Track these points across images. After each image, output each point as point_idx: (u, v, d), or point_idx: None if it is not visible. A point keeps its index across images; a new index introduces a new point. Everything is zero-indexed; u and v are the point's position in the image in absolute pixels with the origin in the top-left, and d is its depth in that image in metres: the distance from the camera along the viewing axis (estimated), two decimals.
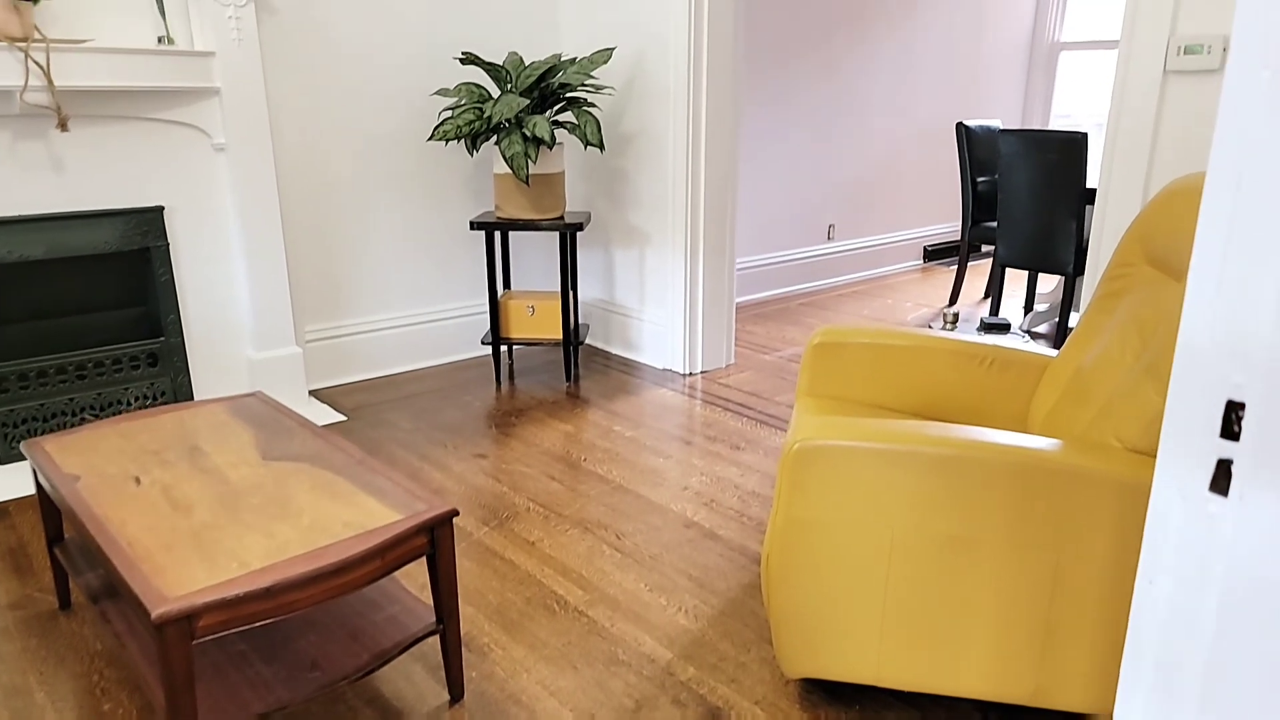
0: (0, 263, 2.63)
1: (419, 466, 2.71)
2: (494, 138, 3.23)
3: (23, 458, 2.74)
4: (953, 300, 4.71)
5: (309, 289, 3.36)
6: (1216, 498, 0.58)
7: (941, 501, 1.37)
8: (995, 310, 3.94)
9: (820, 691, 1.67)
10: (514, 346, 3.93)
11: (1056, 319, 4.02)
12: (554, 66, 3.22)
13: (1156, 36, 2.04)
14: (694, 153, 3.38)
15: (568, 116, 3.97)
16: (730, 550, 2.19)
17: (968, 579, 1.40)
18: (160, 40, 2.80)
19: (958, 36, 5.48)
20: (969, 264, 4.64)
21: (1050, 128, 6.05)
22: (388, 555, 1.49)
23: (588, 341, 4.07)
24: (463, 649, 1.84)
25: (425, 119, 3.51)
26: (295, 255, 3.30)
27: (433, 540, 1.57)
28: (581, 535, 2.28)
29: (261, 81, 2.94)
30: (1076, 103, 6.08)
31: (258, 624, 1.57)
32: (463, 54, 3.17)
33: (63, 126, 2.58)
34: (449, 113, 3.53)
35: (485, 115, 3.16)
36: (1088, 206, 3.51)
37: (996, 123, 4.58)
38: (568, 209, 3.97)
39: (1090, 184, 3.51)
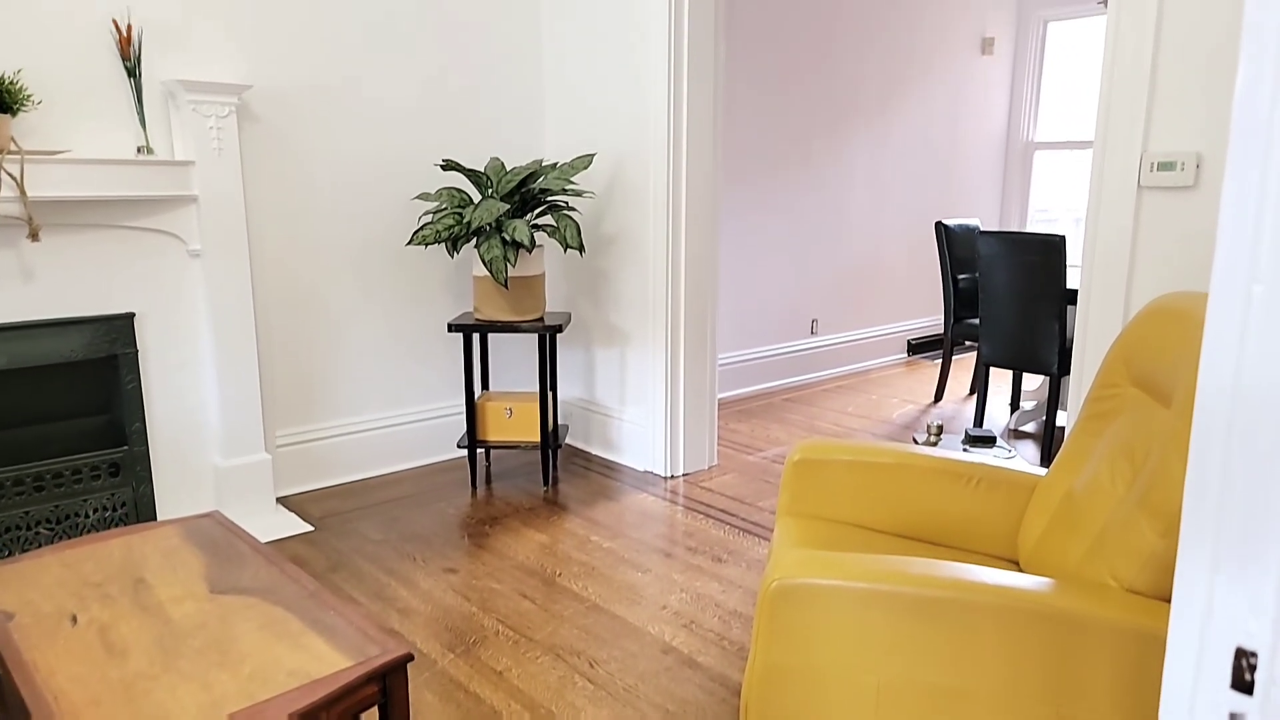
0: None
1: (385, 583, 2.58)
2: (474, 240, 3.22)
3: None
4: (938, 396, 4.67)
5: (282, 393, 3.28)
6: None
7: (929, 647, 1.27)
8: (981, 409, 3.90)
9: None
10: (491, 449, 3.84)
11: (1044, 418, 3.97)
12: (535, 172, 3.24)
13: (1129, 152, 2.06)
14: (674, 253, 3.39)
15: (548, 220, 4.00)
16: (710, 681, 2.07)
17: None
18: (139, 150, 2.80)
19: (933, 136, 5.62)
20: (953, 357, 4.63)
21: (1028, 227, 6.16)
22: (335, 708, 1.37)
23: (568, 441, 3.98)
24: None
25: (406, 222, 3.51)
26: (269, 359, 3.23)
27: (385, 689, 1.45)
28: (553, 663, 2.15)
29: (240, 188, 2.94)
30: (1053, 198, 6.21)
31: None
32: (444, 161, 3.19)
33: (34, 237, 2.55)
34: (429, 217, 3.54)
35: (465, 220, 3.16)
36: (1069, 307, 3.51)
37: (975, 222, 4.65)
38: (548, 309, 3.95)
39: (1070, 284, 3.52)
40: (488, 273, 3.20)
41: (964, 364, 5.54)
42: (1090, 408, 1.60)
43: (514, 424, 3.40)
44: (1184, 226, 1.99)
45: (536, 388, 4.01)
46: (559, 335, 3.96)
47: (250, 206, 3.10)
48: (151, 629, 1.55)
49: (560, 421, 4.03)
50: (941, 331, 5.91)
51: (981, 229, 3.84)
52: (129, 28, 2.74)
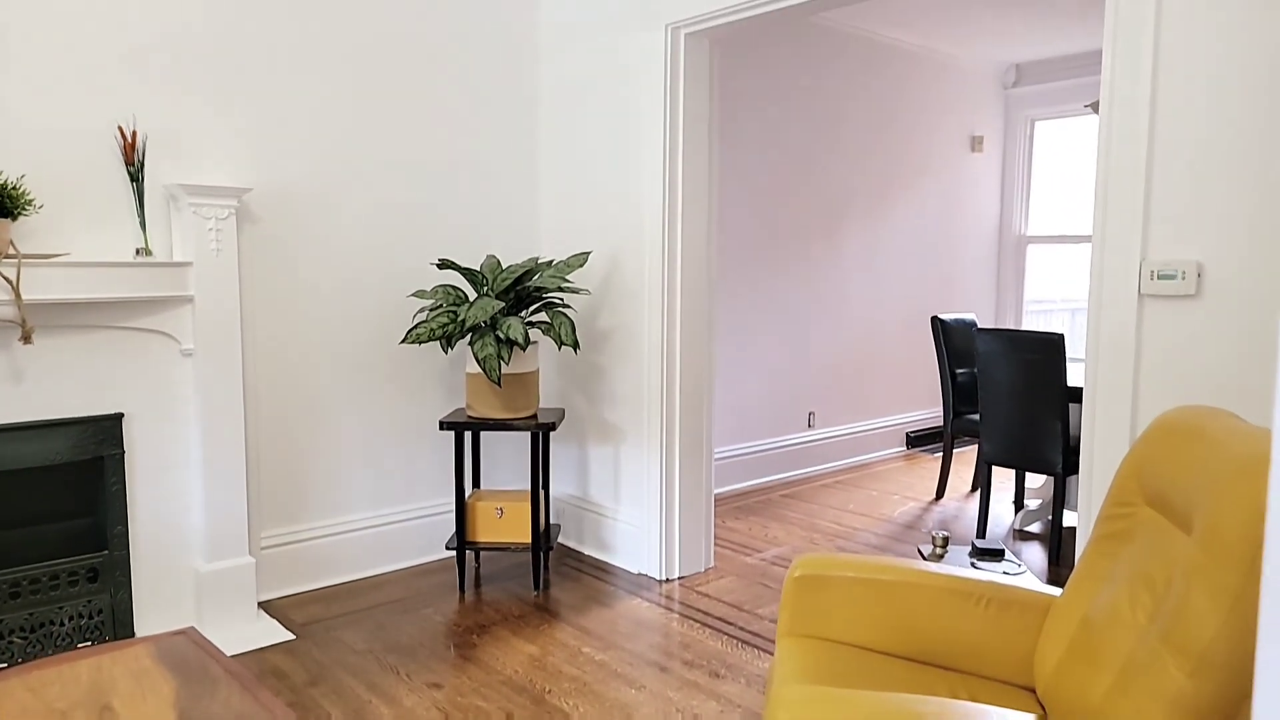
0: None
1: (365, 700, 2.45)
2: (468, 337, 3.20)
3: None
4: (939, 493, 4.59)
5: (269, 492, 3.20)
6: None
7: None
8: (985, 510, 3.83)
9: None
10: (481, 550, 3.73)
11: (1050, 518, 3.89)
12: (530, 270, 3.26)
13: (1128, 258, 2.06)
14: (669, 348, 3.37)
15: (543, 317, 4.00)
16: None
17: None
18: (138, 252, 2.81)
19: (927, 230, 5.71)
20: (954, 451, 4.58)
21: (1023, 320, 6.20)
22: None
23: (560, 540, 3.88)
24: None
25: (400, 318, 3.51)
26: (257, 457, 3.17)
27: None
28: None
29: (236, 287, 2.93)
30: (1048, 290, 6.27)
31: None
32: (440, 260, 3.21)
33: (26, 339, 2.52)
34: (424, 314, 3.54)
35: (460, 318, 3.15)
36: (1072, 405, 3.48)
37: (971, 316, 4.67)
38: (541, 405, 3.91)
39: (1072, 382, 3.50)
40: (481, 370, 3.17)
41: (964, 458, 5.47)
42: (1103, 526, 1.54)
43: (505, 524, 3.31)
44: (1188, 333, 1.97)
45: (527, 485, 3.93)
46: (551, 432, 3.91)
47: (245, 305, 3.10)
48: None
49: (552, 520, 3.93)
50: (939, 423, 5.88)
51: (978, 325, 3.84)
52: (134, 134, 2.79)
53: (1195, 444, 1.36)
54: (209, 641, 1.91)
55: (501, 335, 3.11)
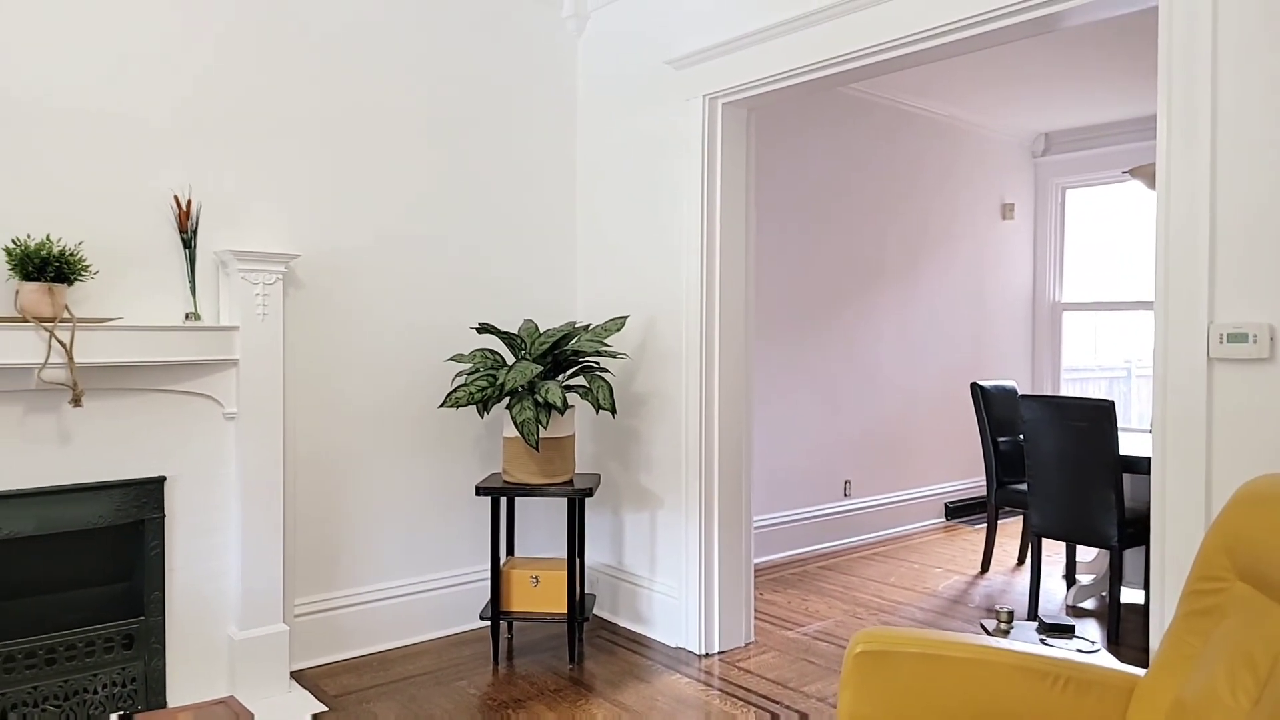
0: None
1: None
2: (506, 401, 3.19)
3: None
4: (984, 566, 4.44)
5: (303, 559, 3.17)
6: None
7: None
8: (1036, 584, 3.69)
9: None
10: (515, 620, 3.65)
11: (1105, 593, 3.74)
12: (568, 334, 3.26)
13: (1194, 323, 2.01)
14: (708, 413, 3.33)
15: (580, 381, 3.99)
16: None
17: None
18: (187, 316, 2.84)
19: (960, 297, 5.69)
20: (998, 523, 4.45)
21: (1061, 388, 6.10)
22: None
23: (594, 612, 3.78)
24: None
25: (438, 383, 3.51)
26: (293, 523, 3.14)
27: None
28: None
29: (281, 351, 2.96)
30: (1084, 357, 6.18)
31: None
32: (479, 324, 3.22)
33: (76, 402, 2.54)
34: (463, 378, 3.54)
35: (499, 382, 3.14)
36: (1126, 475, 3.38)
37: (1011, 383, 4.60)
38: (577, 470, 3.86)
39: (1125, 451, 3.40)
40: (518, 434, 3.15)
41: (1008, 530, 5.31)
42: (1190, 603, 1.46)
43: (540, 593, 3.24)
44: (1264, 397, 1.91)
45: (561, 552, 3.85)
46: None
47: (287, 369, 3.12)
48: None
49: (587, 590, 3.84)
50: (980, 494, 5.74)
51: (1020, 392, 3.76)
52: (189, 202, 2.86)
53: None
54: (249, 712, 1.86)
55: (540, 399, 3.09)
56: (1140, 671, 1.63)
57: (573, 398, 3.86)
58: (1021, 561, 4.58)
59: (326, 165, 3.20)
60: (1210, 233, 1.99)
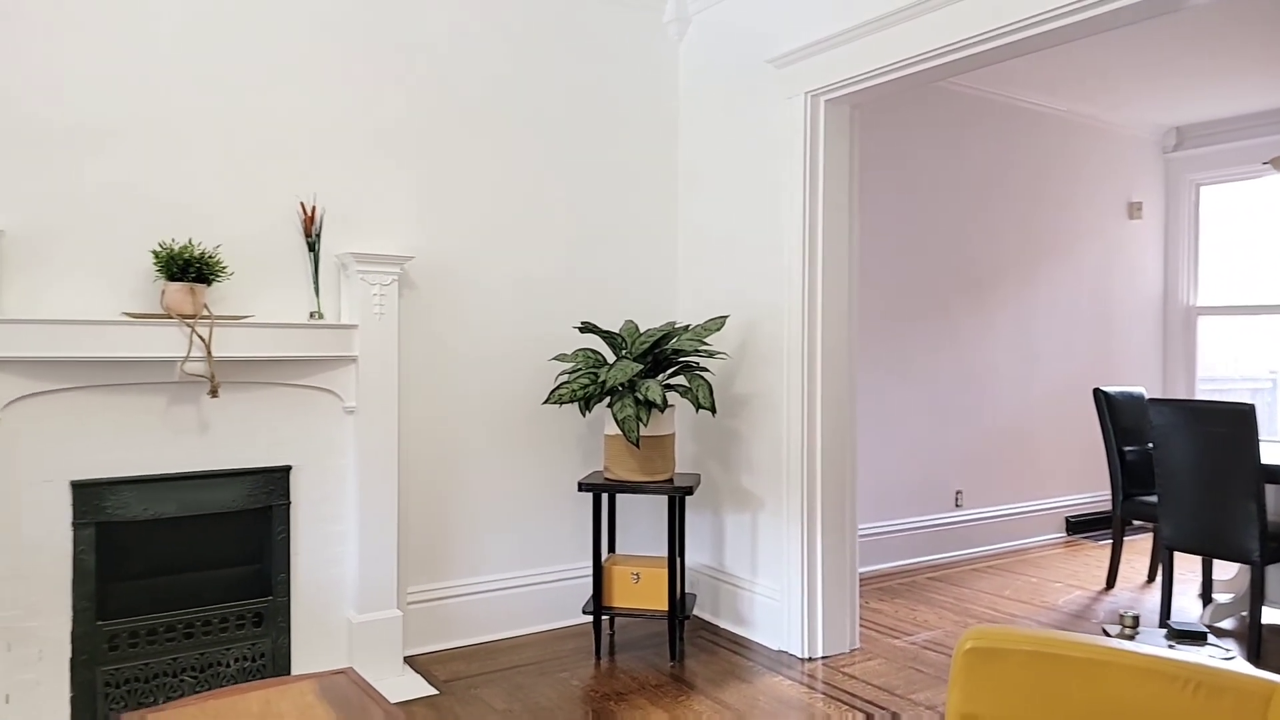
0: (134, 520, 2.71)
1: None
2: (607, 400, 3.25)
3: None
4: (1110, 582, 4.18)
5: (415, 549, 3.31)
6: None
7: None
8: (1167, 599, 3.45)
9: None
10: (616, 616, 3.69)
11: (1245, 613, 3.45)
12: (668, 334, 3.29)
13: None
14: (809, 415, 3.29)
15: (681, 380, 4.01)
16: None
17: None
18: (311, 315, 3.04)
19: (1082, 299, 5.40)
20: (1124, 538, 4.17)
21: (1201, 396, 5.69)
22: None
23: (695, 612, 3.77)
24: None
25: (542, 381, 3.60)
26: (406, 513, 3.29)
27: None
28: None
29: (396, 350, 3.11)
30: (1223, 365, 5.75)
31: None
32: (582, 323, 3.30)
33: (214, 393, 2.75)
34: (565, 376, 3.62)
35: (600, 380, 3.20)
36: (1268, 485, 3.12)
37: (1140, 390, 4.32)
38: (677, 470, 3.88)
39: (1266, 459, 3.14)
40: (619, 431, 3.20)
41: (1136, 546, 4.99)
42: None
43: (641, 590, 3.26)
44: None
45: (660, 551, 3.87)
46: (687, 498, 3.86)
47: (401, 366, 3.28)
48: None
49: (688, 590, 3.84)
50: (1106, 509, 5.41)
51: (1152, 398, 3.54)
52: (313, 209, 3.06)
53: None
54: (367, 682, 1.96)
55: (640, 396, 3.13)
56: None
57: (673, 397, 3.88)
58: (1152, 578, 4.28)
59: (438, 171, 3.35)
60: None
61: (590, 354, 3.36)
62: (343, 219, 3.15)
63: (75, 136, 2.69)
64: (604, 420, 3.43)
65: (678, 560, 3.28)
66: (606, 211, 3.76)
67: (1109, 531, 5.22)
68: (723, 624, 3.62)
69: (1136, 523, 5.05)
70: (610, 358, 3.75)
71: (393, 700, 2.84)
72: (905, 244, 4.65)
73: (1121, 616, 2.19)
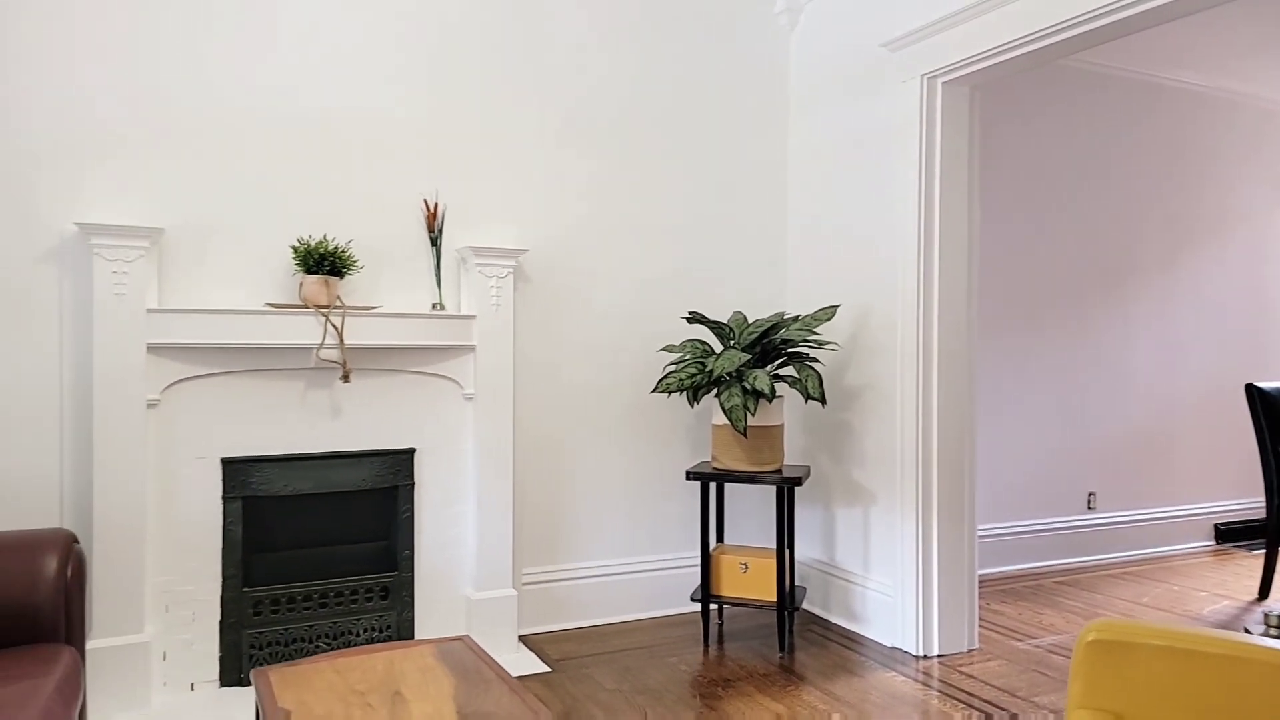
0: (275, 495, 2.93)
1: None
2: (714, 390, 3.26)
3: None
4: (1263, 593, 3.85)
5: (528, 532, 3.42)
6: None
7: None
8: None
9: None
10: (724, 605, 3.69)
11: None
12: (777, 324, 3.27)
13: None
14: (925, 408, 3.19)
15: (789, 370, 3.98)
16: None
17: None
18: (434, 306, 3.20)
19: (1231, 291, 4.99)
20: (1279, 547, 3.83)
21: None
22: None
23: (804, 606, 3.73)
24: None
25: (651, 371, 3.65)
26: (519, 498, 3.41)
27: None
28: None
29: (511, 339, 3.23)
30: None
31: None
32: (689, 314, 3.32)
33: (346, 379, 2.94)
34: (673, 366, 3.66)
35: (707, 369, 3.22)
36: None
37: None
38: (786, 462, 3.84)
39: None
40: (727, 421, 3.20)
41: None
42: None
43: (749, 580, 3.25)
44: None
45: (770, 542, 3.84)
46: (796, 490, 3.82)
47: (515, 355, 3.40)
48: None
49: (797, 583, 3.80)
50: (1261, 517, 4.97)
51: None
52: (435, 206, 3.22)
53: None
54: (482, 649, 2.05)
55: (748, 386, 3.13)
56: None
57: (781, 388, 3.85)
58: None
59: (551, 167, 3.46)
60: None
61: (698, 344, 3.38)
62: (461, 215, 3.30)
63: (224, 143, 2.94)
64: (712, 411, 3.44)
65: (786, 551, 3.25)
66: (715, 203, 3.77)
67: (1264, 540, 4.81)
68: (834, 619, 3.56)
69: None
70: (718, 348, 3.76)
71: None
72: (1031, 233, 4.44)
73: (1267, 616, 2.03)
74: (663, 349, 3.43)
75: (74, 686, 1.87)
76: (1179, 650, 1.56)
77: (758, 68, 3.86)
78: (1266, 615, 2.02)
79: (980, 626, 3.46)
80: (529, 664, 3.04)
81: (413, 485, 3.14)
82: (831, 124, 3.67)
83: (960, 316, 3.23)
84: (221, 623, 2.86)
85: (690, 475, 3.27)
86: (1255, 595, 3.89)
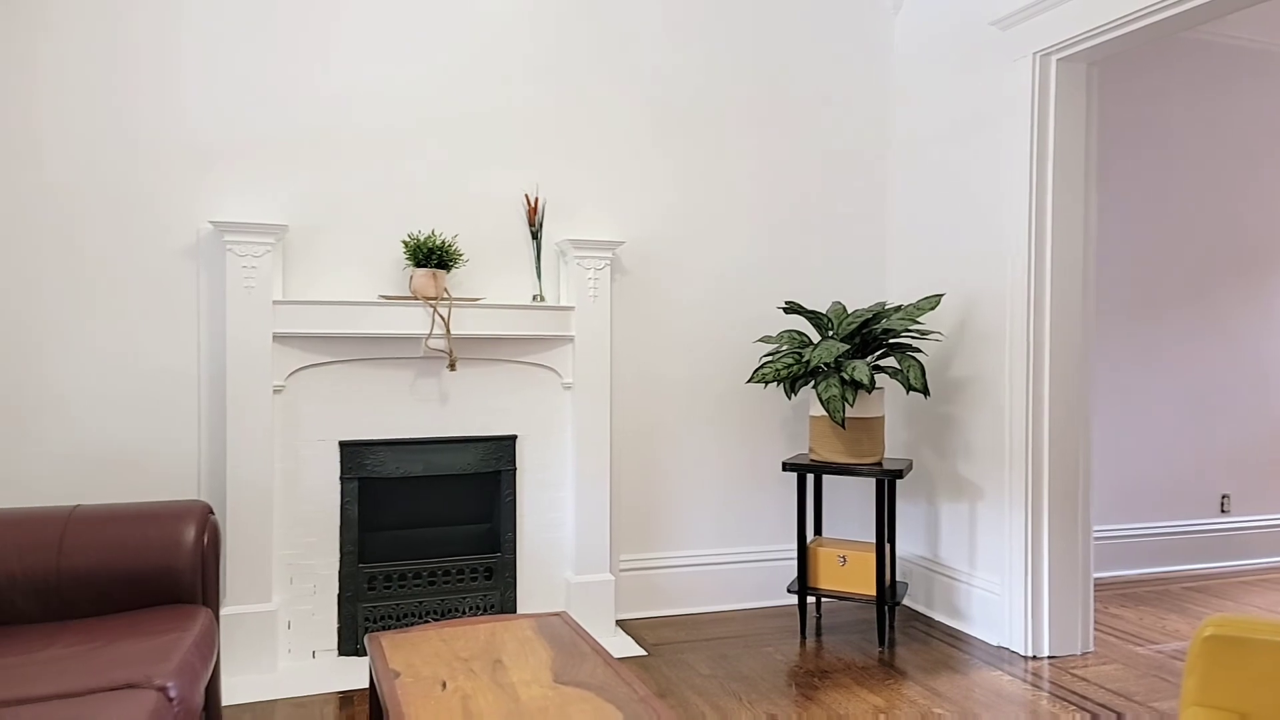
0: (388, 477, 3.09)
1: (707, 716, 2.49)
2: (812, 381, 3.23)
3: None
4: None
5: (626, 519, 3.48)
6: None
7: None
8: None
9: None
10: (822, 599, 3.65)
11: None
12: (878, 314, 3.21)
13: None
14: (1035, 403, 3.06)
15: (890, 361, 3.89)
16: None
17: None
18: (534, 298, 3.30)
19: None
20: None
21: None
22: None
23: (905, 603, 3.64)
24: None
25: (747, 362, 3.65)
26: (617, 485, 3.47)
27: None
28: None
29: (608, 330, 3.30)
30: None
31: None
32: (786, 303, 3.30)
33: (452, 367, 3.08)
34: (769, 357, 3.64)
35: (804, 360, 3.19)
36: None
37: None
38: (886, 455, 3.76)
39: None
40: (825, 412, 3.17)
41: None
42: None
43: (847, 573, 3.21)
44: None
45: (870, 537, 3.77)
46: (898, 483, 3.74)
47: (613, 345, 3.46)
48: (503, 705, 1.66)
49: (898, 578, 3.72)
50: None
51: None
52: (536, 200, 3.32)
53: None
54: (579, 625, 2.11)
55: (846, 377, 3.08)
56: None
57: (882, 379, 3.78)
58: None
59: (649, 160, 3.51)
60: None
61: (795, 335, 3.36)
62: (560, 209, 3.39)
63: (341, 147, 3.12)
64: (809, 402, 3.41)
65: (886, 545, 3.19)
66: (813, 192, 3.73)
67: None
68: (936, 616, 3.47)
69: None
70: (816, 339, 3.72)
71: None
72: (1156, 219, 4.18)
73: None
74: (759, 339, 3.42)
75: (209, 644, 2.04)
76: None
77: (860, 52, 3.79)
78: None
79: (1096, 630, 3.30)
80: (626, 647, 3.10)
81: (514, 470, 3.26)
82: (936, 107, 3.57)
83: (1075, 305, 3.09)
84: (339, 595, 3.04)
85: (787, 466, 3.25)
86: None
